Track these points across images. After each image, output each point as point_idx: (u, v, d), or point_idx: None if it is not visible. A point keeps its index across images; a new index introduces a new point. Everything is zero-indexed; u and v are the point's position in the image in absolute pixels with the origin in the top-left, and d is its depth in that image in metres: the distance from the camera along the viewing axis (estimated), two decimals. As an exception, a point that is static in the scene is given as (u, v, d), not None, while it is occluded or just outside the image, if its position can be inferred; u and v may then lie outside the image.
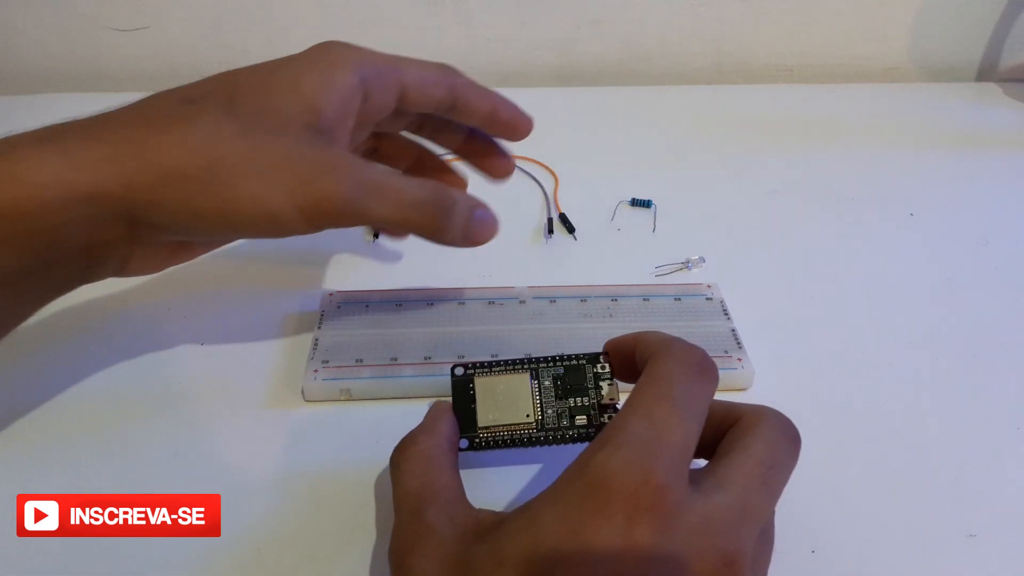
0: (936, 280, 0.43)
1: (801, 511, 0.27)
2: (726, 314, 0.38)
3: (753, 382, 0.35)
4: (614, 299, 0.39)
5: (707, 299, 0.39)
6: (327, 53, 0.30)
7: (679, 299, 0.39)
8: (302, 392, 0.34)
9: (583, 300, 0.39)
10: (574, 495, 0.21)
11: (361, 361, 0.35)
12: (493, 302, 0.39)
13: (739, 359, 0.35)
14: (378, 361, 0.35)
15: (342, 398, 0.34)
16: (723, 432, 0.25)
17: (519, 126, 0.34)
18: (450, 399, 0.29)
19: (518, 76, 0.67)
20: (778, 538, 0.25)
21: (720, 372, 0.25)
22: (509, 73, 0.67)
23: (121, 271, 0.29)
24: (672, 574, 0.20)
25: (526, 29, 0.65)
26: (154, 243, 0.29)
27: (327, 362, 0.35)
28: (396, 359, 0.35)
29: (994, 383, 0.36)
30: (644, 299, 0.39)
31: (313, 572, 0.28)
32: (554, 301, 0.39)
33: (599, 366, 0.29)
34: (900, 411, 0.34)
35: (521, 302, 0.39)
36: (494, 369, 0.29)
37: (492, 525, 0.23)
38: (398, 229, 0.33)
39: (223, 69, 0.29)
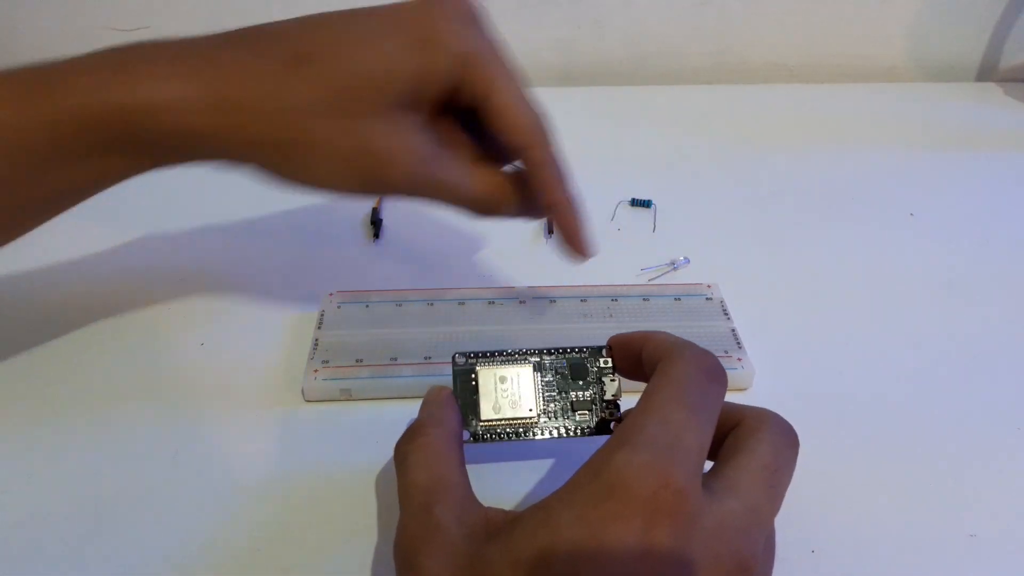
0: (936, 280, 0.43)
1: (801, 511, 0.27)
2: (726, 314, 0.38)
3: (753, 382, 0.35)
4: (614, 299, 0.39)
5: (707, 299, 0.39)
6: (434, 26, 0.29)
7: (679, 299, 0.39)
8: (302, 392, 0.34)
9: (583, 300, 0.39)
10: (592, 496, 0.21)
11: (361, 361, 0.35)
12: (493, 302, 0.39)
13: (739, 359, 0.35)
14: (378, 361, 0.35)
15: (342, 398, 0.34)
16: (724, 433, 0.25)
17: (572, 244, 0.33)
18: (450, 386, 0.29)
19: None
20: (778, 538, 0.25)
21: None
22: (509, 73, 0.66)
23: None
24: None
25: (526, 29, 0.65)
26: None
27: (327, 362, 0.35)
28: (396, 359, 0.35)
29: (994, 383, 0.36)
30: (644, 299, 0.39)
31: (313, 572, 0.28)
32: (554, 301, 0.39)
33: (602, 360, 0.29)
34: (900, 411, 0.34)
35: (521, 302, 0.39)
36: (497, 359, 0.29)
37: (503, 524, 0.23)
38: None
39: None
